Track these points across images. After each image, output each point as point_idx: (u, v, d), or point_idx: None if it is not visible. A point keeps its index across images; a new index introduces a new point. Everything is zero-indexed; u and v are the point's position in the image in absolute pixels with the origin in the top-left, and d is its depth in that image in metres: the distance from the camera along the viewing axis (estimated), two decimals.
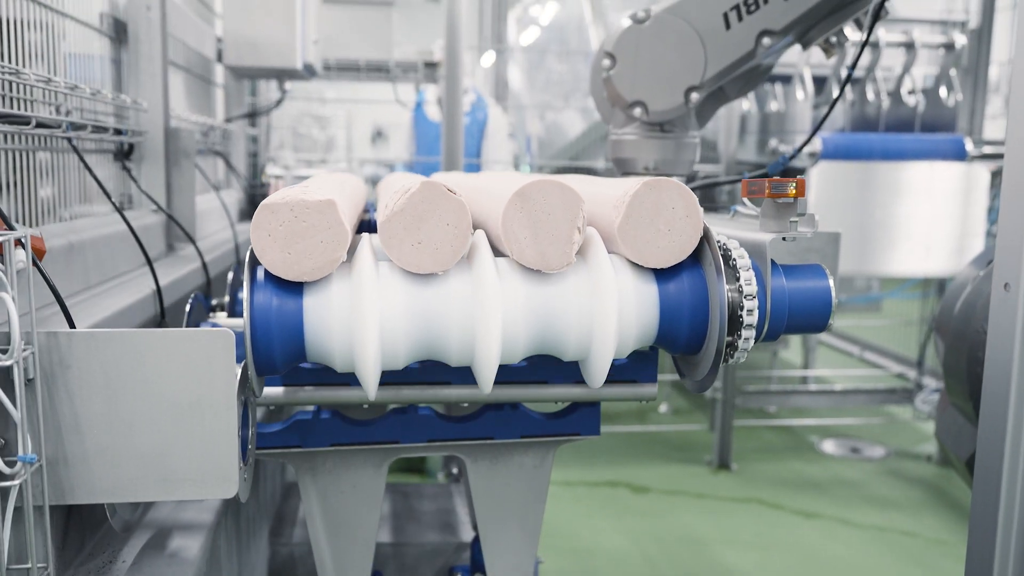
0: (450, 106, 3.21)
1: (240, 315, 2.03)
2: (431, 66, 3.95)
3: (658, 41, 1.72)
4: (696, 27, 1.71)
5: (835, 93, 3.85)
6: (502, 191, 1.11)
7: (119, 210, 1.60)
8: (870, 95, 3.87)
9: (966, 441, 2.10)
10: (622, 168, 1.89)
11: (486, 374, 1.08)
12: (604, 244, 1.12)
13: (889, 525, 3.63)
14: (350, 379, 1.44)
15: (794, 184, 1.18)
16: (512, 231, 1.07)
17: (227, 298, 2.05)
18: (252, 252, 1.05)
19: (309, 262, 1.04)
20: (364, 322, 1.03)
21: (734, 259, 1.13)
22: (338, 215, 1.03)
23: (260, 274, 1.07)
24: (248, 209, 3.23)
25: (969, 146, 3.64)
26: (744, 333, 1.11)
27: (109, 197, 1.62)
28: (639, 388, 1.49)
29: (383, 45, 3.85)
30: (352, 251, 1.11)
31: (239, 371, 1.11)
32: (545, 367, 1.44)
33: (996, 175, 3.82)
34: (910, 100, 3.84)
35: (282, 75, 3.06)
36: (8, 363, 0.97)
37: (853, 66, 1.75)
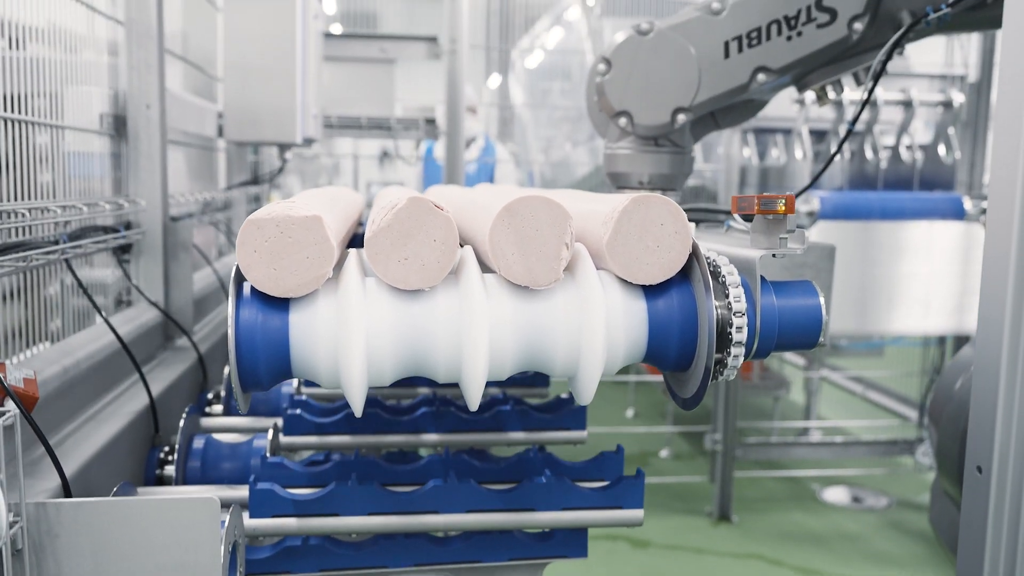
0: (451, 160, 3.25)
1: (236, 411, 2.06)
2: (431, 123, 3.98)
3: (656, 56, 1.71)
4: (696, 49, 1.70)
5: (833, 149, 3.87)
6: (491, 206, 1.11)
7: (113, 330, 1.63)
8: (868, 153, 3.89)
9: (957, 533, 2.09)
10: (616, 182, 1.87)
11: (473, 391, 1.07)
12: (593, 260, 1.11)
13: None
14: (339, 508, 1.47)
15: (784, 201, 1.16)
16: (499, 247, 1.06)
17: (223, 391, 2.08)
18: (238, 268, 1.04)
19: (295, 278, 1.03)
20: (350, 338, 1.03)
21: (723, 276, 1.12)
22: (324, 231, 1.02)
23: (246, 290, 1.07)
24: None
25: (967, 205, 3.65)
26: (733, 350, 1.10)
27: (101, 313, 1.65)
28: (625, 513, 1.51)
29: (385, 102, 3.89)
30: (340, 266, 1.11)
31: (224, 534, 1.13)
32: (531, 495, 1.46)
33: None
34: (908, 158, 3.85)
35: (283, 147, 3.09)
36: None
37: (852, 123, 1.74)
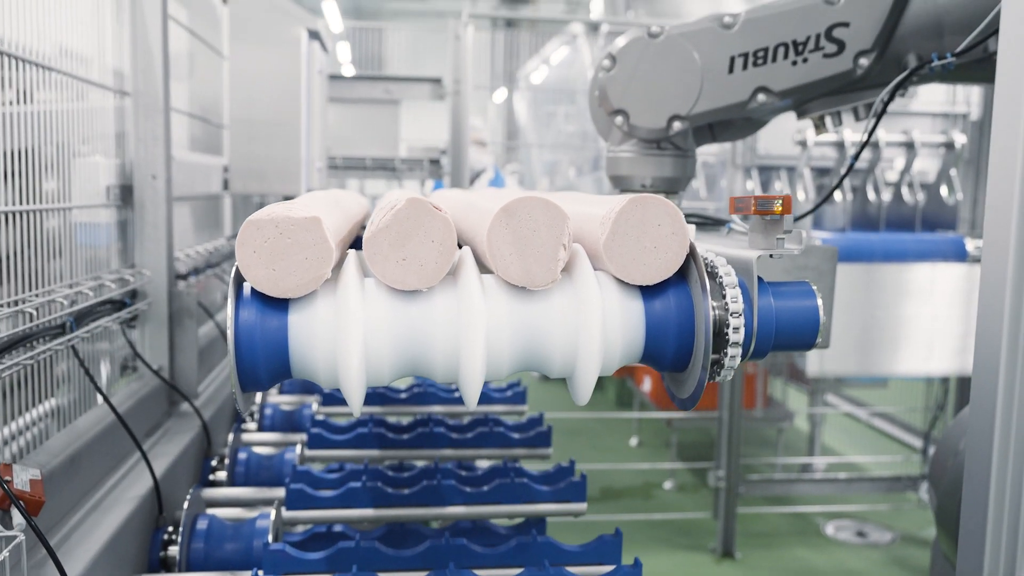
0: None
1: (239, 478, 2.09)
2: (436, 163, 4.01)
3: (661, 60, 1.70)
4: (702, 60, 1.70)
5: (869, 193, 3.87)
6: (489, 207, 1.12)
7: (117, 414, 1.65)
8: (871, 194, 3.90)
9: None
10: (619, 185, 1.87)
11: (471, 391, 1.08)
12: (591, 261, 1.12)
13: None
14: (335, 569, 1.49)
15: (780, 201, 1.18)
16: (497, 247, 1.07)
17: (227, 457, 2.10)
18: (237, 269, 1.05)
19: (293, 279, 1.04)
20: (348, 339, 1.03)
21: (720, 276, 1.13)
22: (323, 232, 1.03)
23: (246, 290, 1.07)
24: None
25: (970, 247, 3.66)
26: (730, 351, 1.11)
27: (105, 396, 1.67)
28: None
29: (389, 142, 3.92)
30: (340, 267, 1.11)
31: None
32: None
33: None
34: (911, 198, 3.86)
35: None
36: None
37: (854, 160, 1.74)
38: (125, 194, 2.09)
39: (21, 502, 1.26)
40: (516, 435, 2.19)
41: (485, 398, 2.51)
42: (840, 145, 3.85)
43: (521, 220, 1.07)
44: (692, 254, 1.11)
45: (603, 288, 1.11)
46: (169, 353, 2.12)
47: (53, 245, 1.70)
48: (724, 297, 1.11)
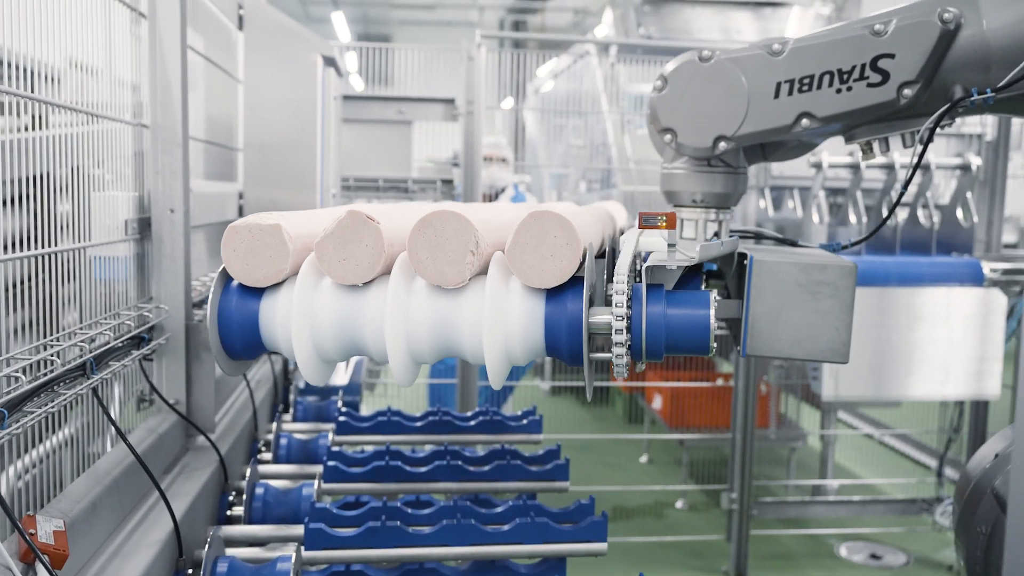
0: None
1: (256, 514, 2.08)
2: (449, 183, 4.00)
3: (710, 83, 1.76)
4: (749, 84, 1.75)
5: (884, 213, 3.85)
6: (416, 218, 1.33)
7: (136, 455, 1.64)
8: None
9: None
10: (672, 200, 1.95)
11: (398, 371, 1.32)
12: (508, 266, 1.31)
13: None
14: None
15: (663, 218, 1.35)
16: (416, 252, 1.30)
17: (244, 495, 2.08)
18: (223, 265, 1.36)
19: (262, 271, 1.35)
20: (298, 320, 1.32)
21: (612, 283, 1.28)
22: (282, 236, 1.33)
23: (230, 281, 1.39)
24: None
25: (986, 270, 3.64)
26: (615, 350, 1.27)
27: (125, 438, 1.66)
28: None
29: (402, 163, 3.91)
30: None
31: None
32: None
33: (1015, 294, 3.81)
34: (926, 220, 3.84)
35: None
36: None
37: (905, 186, 1.78)
38: (143, 227, 2.08)
39: (46, 556, 1.25)
40: (534, 468, 2.19)
41: (501, 426, 2.51)
42: (855, 168, 3.83)
43: (436, 230, 1.29)
44: (583, 264, 1.29)
45: (510, 290, 1.31)
46: (186, 387, 2.11)
47: (73, 285, 1.69)
48: (611, 303, 1.28)
